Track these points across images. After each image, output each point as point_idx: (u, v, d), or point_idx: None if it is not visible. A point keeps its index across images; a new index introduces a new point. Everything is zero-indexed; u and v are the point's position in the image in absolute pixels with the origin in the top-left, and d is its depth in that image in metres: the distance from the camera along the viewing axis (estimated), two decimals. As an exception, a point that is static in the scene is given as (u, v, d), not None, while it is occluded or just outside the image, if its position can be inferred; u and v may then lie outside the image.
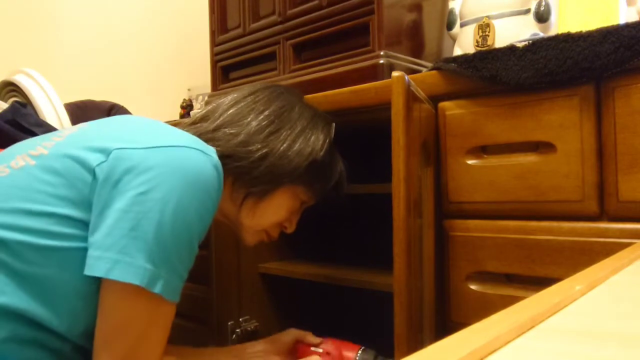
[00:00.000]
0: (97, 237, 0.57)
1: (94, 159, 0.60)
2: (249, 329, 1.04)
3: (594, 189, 0.67)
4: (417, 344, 0.68)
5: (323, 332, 0.90)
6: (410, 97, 0.65)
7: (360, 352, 0.84)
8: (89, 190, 0.59)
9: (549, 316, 0.30)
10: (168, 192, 0.58)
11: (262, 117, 0.74)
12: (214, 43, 1.36)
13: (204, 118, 0.77)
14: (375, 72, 0.96)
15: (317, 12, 1.08)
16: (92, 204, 0.59)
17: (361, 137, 1.20)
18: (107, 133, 0.65)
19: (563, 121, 0.69)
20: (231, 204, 0.76)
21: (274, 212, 0.78)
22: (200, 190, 0.61)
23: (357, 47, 1.02)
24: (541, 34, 0.89)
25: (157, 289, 0.57)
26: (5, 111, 1.00)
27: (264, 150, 0.72)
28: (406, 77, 0.63)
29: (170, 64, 1.88)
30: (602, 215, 0.67)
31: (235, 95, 0.79)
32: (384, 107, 0.77)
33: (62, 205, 0.58)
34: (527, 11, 0.91)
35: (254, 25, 1.23)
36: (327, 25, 1.06)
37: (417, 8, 1.08)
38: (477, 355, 0.23)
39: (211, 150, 0.65)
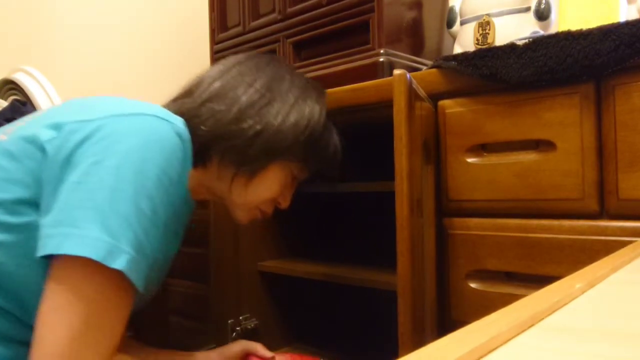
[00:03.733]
0: (49, 217, 0.51)
1: (44, 135, 0.55)
2: (248, 327, 1.04)
3: (594, 187, 0.67)
4: (420, 343, 0.68)
5: (323, 331, 0.90)
6: (412, 95, 0.65)
7: None
8: (39, 168, 0.54)
9: (549, 314, 0.30)
10: (124, 159, 0.53)
11: (252, 90, 0.69)
12: (213, 41, 1.36)
13: (187, 93, 0.71)
14: (375, 70, 0.96)
15: (317, 10, 1.07)
16: (43, 183, 0.54)
17: (362, 135, 1.20)
18: (66, 109, 0.61)
19: (563, 119, 0.69)
20: (220, 183, 0.71)
21: (266, 189, 0.73)
22: (161, 157, 0.56)
23: (357, 45, 1.02)
24: (541, 32, 0.89)
25: (118, 264, 0.50)
26: (5, 109, 1.00)
27: (258, 127, 0.67)
28: (408, 75, 0.63)
29: (170, 63, 1.87)
30: (602, 213, 0.67)
31: (220, 66, 0.73)
32: (385, 105, 0.77)
33: (14, 190, 0.54)
34: (528, 9, 0.91)
35: (254, 24, 1.23)
36: (327, 23, 1.06)
37: (417, 6, 1.07)
38: (477, 353, 0.23)
39: (176, 119, 0.60)
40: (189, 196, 0.69)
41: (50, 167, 0.54)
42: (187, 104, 0.69)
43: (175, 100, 0.71)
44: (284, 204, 0.79)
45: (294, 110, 0.70)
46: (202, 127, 0.66)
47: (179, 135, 0.59)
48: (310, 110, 0.71)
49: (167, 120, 0.58)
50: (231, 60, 0.74)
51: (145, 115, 0.57)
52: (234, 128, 0.67)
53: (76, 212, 0.50)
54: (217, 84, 0.70)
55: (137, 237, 0.52)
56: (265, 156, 0.69)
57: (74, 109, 0.60)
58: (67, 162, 0.53)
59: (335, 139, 0.78)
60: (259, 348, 0.85)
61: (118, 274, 0.50)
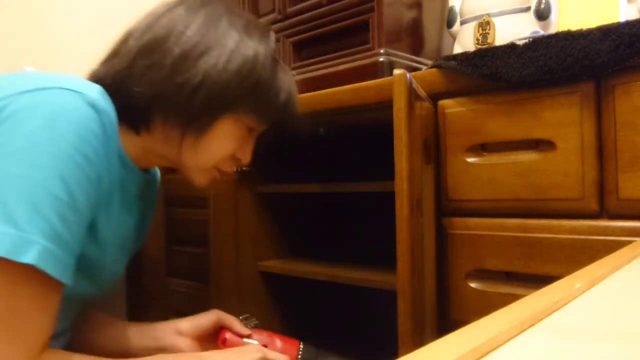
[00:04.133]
0: None
1: None
2: (249, 327, 1.04)
3: (594, 187, 0.67)
4: (420, 343, 0.68)
5: (323, 330, 0.90)
6: (412, 95, 0.65)
7: (302, 347, 0.76)
8: None
9: (549, 314, 0.30)
10: (29, 141, 0.49)
11: (185, 38, 0.61)
12: (213, 41, 1.35)
13: (115, 53, 0.64)
14: (375, 70, 0.96)
15: (317, 10, 1.07)
16: None
17: (362, 135, 1.20)
18: None
19: (563, 119, 0.69)
20: (169, 146, 0.65)
21: (219, 147, 0.67)
22: (71, 133, 0.51)
23: (357, 44, 1.02)
24: (541, 32, 0.89)
25: (28, 257, 0.46)
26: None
27: (195, 80, 0.60)
28: (408, 74, 0.63)
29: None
30: (602, 213, 0.67)
31: (148, 17, 0.65)
32: (385, 105, 0.77)
33: None
34: (528, 9, 0.91)
35: (254, 23, 1.23)
36: (327, 23, 1.06)
37: (417, 6, 1.07)
38: (477, 353, 0.23)
39: (89, 88, 0.56)
40: (132, 166, 0.66)
41: None
42: (116, 65, 0.62)
43: (104, 62, 0.65)
44: (245, 159, 0.72)
45: (234, 56, 0.62)
46: (136, 88, 0.60)
47: (93, 106, 0.54)
48: (253, 54, 0.63)
49: (75, 91, 0.53)
50: (161, 7, 0.66)
51: (50, 89, 0.52)
52: (169, 85, 0.60)
53: None
54: (146, 37, 0.62)
55: (51, 226, 0.48)
56: (210, 111, 0.63)
57: None
58: None
59: (287, 82, 0.70)
60: (235, 323, 0.79)
61: (30, 267, 0.47)
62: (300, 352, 0.75)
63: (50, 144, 0.49)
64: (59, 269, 0.50)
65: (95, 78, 0.63)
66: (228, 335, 0.77)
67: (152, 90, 0.60)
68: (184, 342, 0.75)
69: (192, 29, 0.62)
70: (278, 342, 0.76)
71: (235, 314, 1.04)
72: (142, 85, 0.60)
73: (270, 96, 0.67)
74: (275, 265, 1.10)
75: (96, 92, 0.56)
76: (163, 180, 0.91)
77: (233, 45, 0.63)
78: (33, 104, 0.51)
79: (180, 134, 0.63)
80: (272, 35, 0.69)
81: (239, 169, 1.11)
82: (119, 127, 0.62)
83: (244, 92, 0.63)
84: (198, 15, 0.64)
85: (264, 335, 0.77)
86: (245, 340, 0.76)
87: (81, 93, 0.54)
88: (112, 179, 0.61)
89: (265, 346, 0.75)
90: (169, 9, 0.65)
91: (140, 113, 0.63)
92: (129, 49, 0.62)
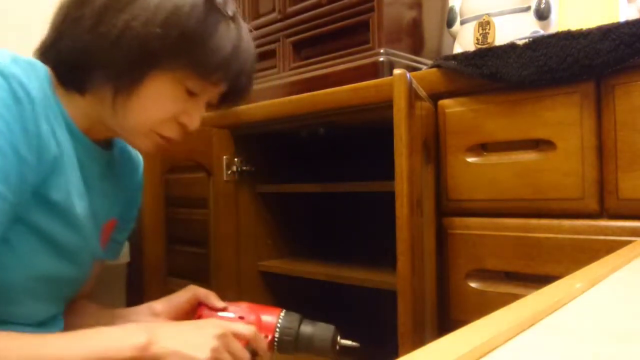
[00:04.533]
0: None
1: None
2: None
3: (594, 187, 0.67)
4: (420, 343, 0.68)
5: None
6: (412, 95, 0.65)
7: (282, 315, 0.72)
8: None
9: (549, 314, 0.30)
10: None
11: None
12: (213, 41, 1.35)
13: (54, 13, 0.63)
14: (375, 70, 0.96)
15: (317, 10, 1.07)
16: None
17: (362, 135, 1.20)
18: None
19: (563, 119, 0.69)
20: (104, 108, 0.62)
21: (153, 105, 0.63)
22: None
23: (357, 44, 1.02)
24: (541, 32, 0.89)
25: None
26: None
27: (116, 30, 0.57)
28: (408, 74, 0.63)
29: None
30: (602, 213, 0.67)
31: None
32: (385, 105, 0.77)
33: None
34: (528, 9, 0.91)
35: (254, 23, 1.23)
36: (327, 22, 1.06)
37: (417, 5, 1.07)
38: (477, 352, 0.23)
39: None
40: (81, 136, 0.65)
41: None
42: (46, 37, 0.62)
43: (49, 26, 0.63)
44: (191, 124, 0.66)
45: (159, 7, 0.58)
46: (64, 45, 0.59)
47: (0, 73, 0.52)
48: (179, 4, 0.59)
49: None
50: None
51: None
52: (92, 37, 0.58)
53: None
54: None
55: None
56: (135, 66, 0.59)
57: None
58: None
59: (232, 36, 0.64)
60: (212, 297, 0.75)
61: None
62: (280, 320, 0.72)
63: None
64: None
65: (41, 44, 0.63)
66: (205, 311, 0.74)
67: (77, 45, 0.58)
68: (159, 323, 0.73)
69: None
70: (255, 313, 0.72)
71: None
72: (69, 40, 0.59)
73: (204, 51, 0.61)
74: (275, 265, 1.10)
75: (6, 56, 0.55)
76: (163, 180, 0.91)
77: None
78: None
79: (112, 92, 0.61)
80: None
81: (239, 169, 1.11)
82: (63, 91, 0.62)
83: (169, 45, 0.59)
84: None
85: (242, 307, 0.73)
86: (220, 314, 0.72)
87: None
88: (62, 150, 0.60)
89: (241, 318, 0.71)
90: None
91: (73, 73, 0.61)
92: (62, 4, 0.61)
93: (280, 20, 1.15)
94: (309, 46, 1.13)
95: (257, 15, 1.22)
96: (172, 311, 0.75)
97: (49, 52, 0.62)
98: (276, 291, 1.14)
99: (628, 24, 0.63)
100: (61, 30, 0.60)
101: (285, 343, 0.71)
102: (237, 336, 0.65)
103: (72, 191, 0.62)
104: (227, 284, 1.04)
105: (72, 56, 0.60)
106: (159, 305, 0.75)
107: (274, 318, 0.72)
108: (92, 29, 0.58)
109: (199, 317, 0.73)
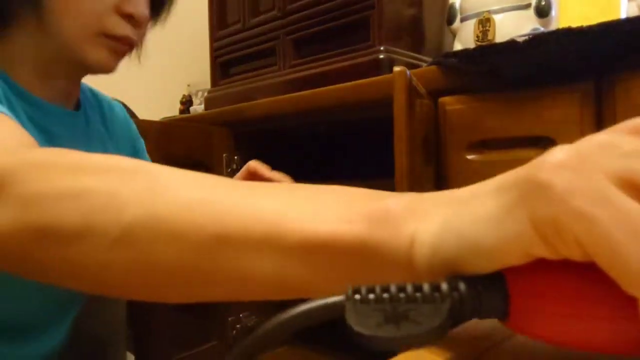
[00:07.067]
0: None
1: None
2: (248, 324, 1.05)
3: (595, 184, 0.67)
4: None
5: (323, 330, 0.90)
6: (412, 92, 0.65)
7: None
8: None
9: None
10: None
11: None
12: (213, 39, 1.35)
13: None
14: (375, 67, 0.96)
15: (316, 7, 1.07)
16: None
17: (361, 133, 1.20)
18: None
19: (564, 116, 0.69)
20: (38, 36, 0.55)
21: None
22: None
23: (357, 42, 1.02)
24: (542, 29, 0.89)
25: None
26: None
27: None
28: (408, 72, 0.63)
29: (170, 60, 1.87)
30: (602, 210, 0.67)
31: None
32: (385, 103, 0.77)
33: None
34: (528, 6, 0.90)
35: (254, 21, 1.23)
36: (327, 20, 1.06)
37: (417, 3, 1.07)
38: (477, 352, 0.23)
39: None
40: (27, 94, 0.55)
41: None
42: None
43: None
44: (137, 11, 0.57)
45: None
46: None
47: None
48: None
49: None
50: None
51: None
52: None
53: None
54: None
55: None
56: None
57: None
58: None
59: None
60: (261, 169, 0.78)
61: None
62: None
63: None
64: None
65: None
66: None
67: None
68: None
69: None
70: None
71: (235, 311, 1.04)
72: None
73: None
74: (276, 262, 1.10)
75: None
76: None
77: None
78: None
79: (32, 6, 0.52)
80: None
81: (239, 167, 1.11)
82: None
83: None
84: None
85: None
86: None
87: None
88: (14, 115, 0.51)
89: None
90: None
91: None
92: None
93: (280, 17, 1.15)
94: (309, 44, 1.12)
95: (257, 13, 1.22)
96: None
97: None
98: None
99: (629, 21, 0.63)
100: None
101: None
102: None
103: None
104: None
105: None
106: None
107: None
108: None
109: None
